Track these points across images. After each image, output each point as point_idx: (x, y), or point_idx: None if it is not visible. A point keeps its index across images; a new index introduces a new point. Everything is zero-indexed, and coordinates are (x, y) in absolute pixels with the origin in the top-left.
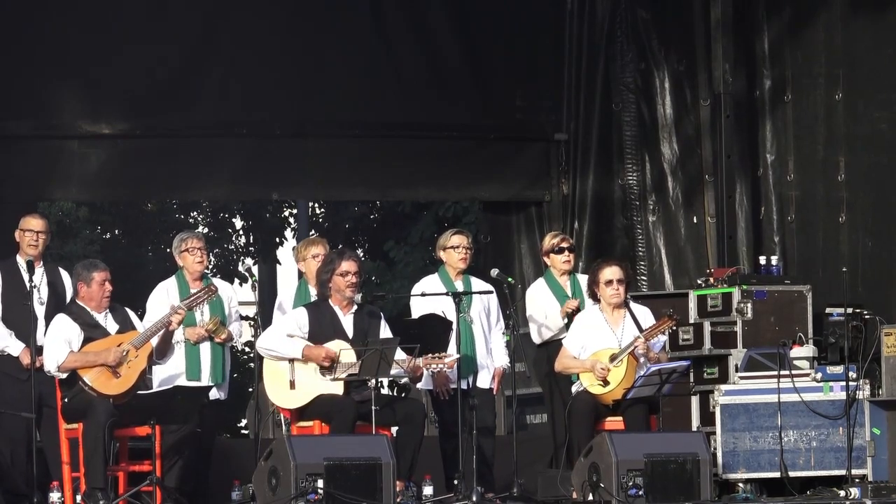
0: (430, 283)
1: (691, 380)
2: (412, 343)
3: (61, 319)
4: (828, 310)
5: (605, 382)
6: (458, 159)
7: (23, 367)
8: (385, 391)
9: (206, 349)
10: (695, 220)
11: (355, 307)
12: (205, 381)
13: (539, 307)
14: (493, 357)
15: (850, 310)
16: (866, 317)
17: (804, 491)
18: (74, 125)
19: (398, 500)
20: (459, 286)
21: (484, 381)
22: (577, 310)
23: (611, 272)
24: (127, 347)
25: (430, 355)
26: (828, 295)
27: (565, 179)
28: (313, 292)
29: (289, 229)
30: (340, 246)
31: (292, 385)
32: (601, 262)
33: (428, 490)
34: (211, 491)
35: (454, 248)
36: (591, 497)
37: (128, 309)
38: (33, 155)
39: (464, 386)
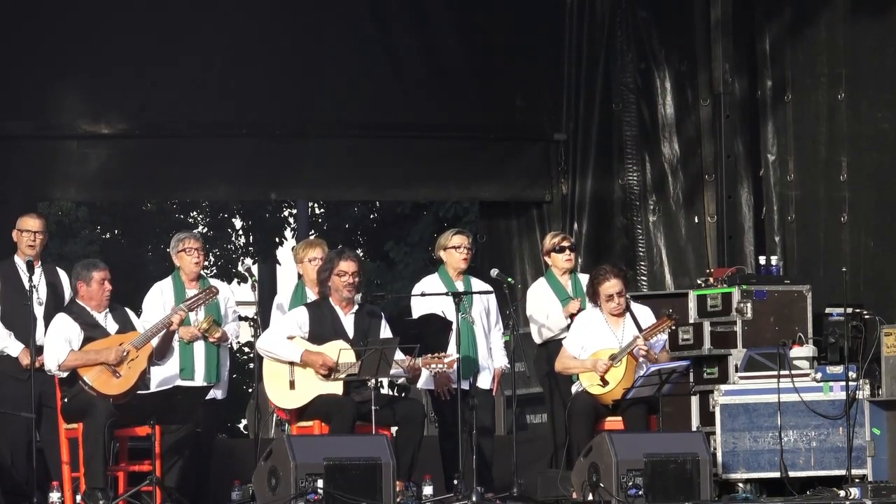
0: (431, 283)
1: (691, 380)
2: (412, 343)
3: (61, 318)
4: (828, 310)
5: (605, 382)
6: (458, 159)
7: (22, 367)
8: (385, 391)
9: (199, 349)
10: (695, 220)
11: (356, 307)
12: (199, 380)
13: (540, 307)
14: (492, 357)
15: (850, 310)
16: (866, 317)
17: (804, 491)
18: (74, 125)
19: (398, 500)
20: (460, 286)
21: (484, 381)
22: (580, 309)
23: (611, 286)
24: (127, 347)
25: (429, 355)
26: (828, 295)
27: (565, 179)
28: (310, 294)
29: (288, 229)
30: (340, 246)
31: (292, 385)
32: (600, 274)
33: (428, 490)
34: (211, 491)
35: (455, 249)
36: (591, 497)
37: (128, 309)
38: (33, 155)
39: (464, 386)
